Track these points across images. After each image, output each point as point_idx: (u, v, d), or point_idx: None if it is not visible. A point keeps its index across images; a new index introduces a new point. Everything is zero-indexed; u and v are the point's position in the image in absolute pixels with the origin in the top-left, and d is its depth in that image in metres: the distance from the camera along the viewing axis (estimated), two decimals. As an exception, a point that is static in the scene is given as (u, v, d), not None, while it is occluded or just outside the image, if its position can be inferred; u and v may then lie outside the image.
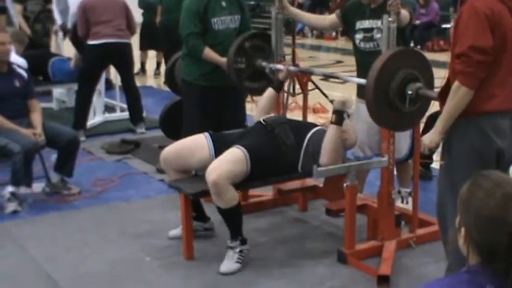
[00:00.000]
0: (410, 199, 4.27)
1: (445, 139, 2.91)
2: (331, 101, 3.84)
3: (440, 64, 7.82)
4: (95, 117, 7.03)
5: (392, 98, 3.25)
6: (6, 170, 4.64)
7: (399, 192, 4.31)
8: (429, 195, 4.23)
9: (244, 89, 4.54)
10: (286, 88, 4.63)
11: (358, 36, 4.04)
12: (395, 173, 3.88)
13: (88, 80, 6.43)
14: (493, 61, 2.74)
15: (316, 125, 3.91)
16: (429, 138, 2.91)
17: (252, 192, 4.50)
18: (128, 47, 6.47)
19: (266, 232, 4.16)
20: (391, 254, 3.62)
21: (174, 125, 5.04)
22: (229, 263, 3.62)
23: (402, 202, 4.35)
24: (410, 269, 3.63)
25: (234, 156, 3.59)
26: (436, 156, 4.49)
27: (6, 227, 4.28)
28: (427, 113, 3.63)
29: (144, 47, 9.99)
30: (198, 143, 3.83)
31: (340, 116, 3.57)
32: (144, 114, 7.16)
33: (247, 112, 5.05)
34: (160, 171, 5.13)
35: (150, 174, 5.36)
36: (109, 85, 7.80)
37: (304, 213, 4.49)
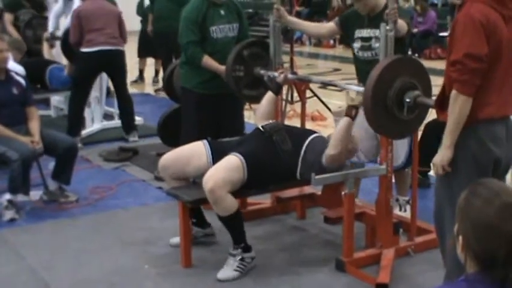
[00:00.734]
0: (408, 207, 4.27)
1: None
2: (329, 109, 3.85)
3: (437, 72, 7.80)
4: (93, 125, 7.03)
5: (391, 106, 3.26)
6: (3, 177, 4.63)
7: (397, 200, 4.31)
8: (427, 203, 4.23)
9: (243, 97, 4.55)
10: (284, 96, 4.64)
11: (356, 45, 4.06)
12: (393, 180, 3.89)
13: (81, 88, 6.43)
14: (488, 69, 2.75)
15: (315, 132, 3.91)
16: (440, 157, 2.84)
17: (250, 200, 4.50)
18: (121, 54, 6.47)
19: (264, 240, 4.15)
20: (389, 262, 3.61)
21: (173, 133, 5.04)
22: (227, 270, 3.61)
23: (400, 210, 4.35)
24: (409, 277, 3.62)
25: (231, 164, 3.59)
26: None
27: (3, 235, 4.27)
28: (425, 121, 3.64)
29: (142, 55, 9.99)
30: (196, 150, 3.84)
31: (354, 110, 3.56)
32: (142, 122, 7.18)
33: (246, 120, 5.05)
34: (159, 178, 5.12)
35: (148, 181, 5.36)
36: (107, 93, 7.80)
37: (303, 221, 4.48)
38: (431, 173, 4.87)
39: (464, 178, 2.73)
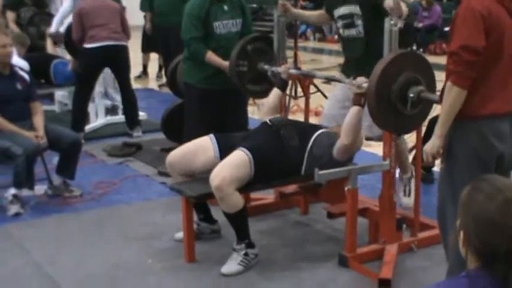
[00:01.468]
0: (412, 187, 4.15)
1: (446, 142, 2.90)
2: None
3: (442, 67, 7.75)
4: (97, 120, 7.04)
5: (394, 101, 3.25)
6: (8, 172, 4.64)
7: (402, 180, 4.23)
8: (431, 199, 4.23)
9: (247, 92, 4.55)
10: (288, 91, 4.63)
11: (339, 24, 4.06)
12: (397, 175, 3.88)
13: (85, 83, 6.44)
14: (488, 63, 2.74)
15: (321, 127, 3.91)
16: (430, 145, 2.88)
17: (254, 195, 4.50)
18: (124, 49, 6.48)
19: (267, 235, 4.16)
20: (392, 257, 3.61)
21: (176, 128, 5.05)
22: (231, 265, 3.62)
23: (405, 194, 4.28)
24: (412, 272, 3.62)
25: (238, 160, 3.58)
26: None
27: (8, 230, 4.29)
28: (429, 116, 3.63)
29: (145, 50, 9.99)
30: (203, 145, 3.83)
31: (362, 98, 3.52)
32: (146, 117, 7.18)
33: (250, 115, 5.05)
34: (162, 173, 5.13)
35: (152, 176, 5.37)
36: None
37: (306, 217, 4.49)
38: (435, 168, 4.87)
39: (467, 174, 2.73)
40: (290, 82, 4.51)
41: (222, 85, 4.51)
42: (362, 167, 3.83)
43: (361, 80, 3.53)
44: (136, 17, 9.53)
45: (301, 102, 5.78)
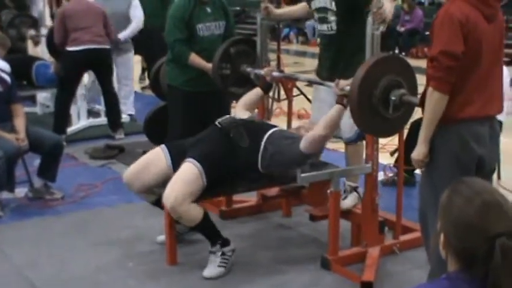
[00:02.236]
0: (353, 196, 3.99)
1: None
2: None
3: (424, 71, 7.81)
4: (79, 122, 7.00)
5: (376, 104, 3.26)
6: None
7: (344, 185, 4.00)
8: (412, 202, 4.24)
9: (230, 95, 4.54)
10: (271, 94, 4.63)
11: (315, 17, 4.04)
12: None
13: (68, 86, 6.42)
14: (468, 67, 2.77)
15: (274, 126, 3.87)
16: (416, 152, 2.89)
17: (236, 197, 4.50)
18: (107, 52, 6.46)
19: (249, 238, 4.16)
20: (374, 260, 3.63)
21: (159, 130, 5.02)
22: (212, 268, 3.62)
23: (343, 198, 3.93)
24: (394, 275, 3.64)
25: (188, 174, 3.53)
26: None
27: (-12, 232, 4.25)
28: (411, 120, 3.65)
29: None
30: (154, 158, 3.78)
31: (345, 99, 3.50)
32: (128, 119, 7.15)
33: (232, 117, 5.04)
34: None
35: (134, 179, 5.33)
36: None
37: (288, 219, 4.49)
38: (417, 171, 4.90)
39: (447, 177, 2.74)
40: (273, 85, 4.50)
41: (205, 87, 4.50)
42: (344, 170, 3.85)
43: (344, 83, 3.53)
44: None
45: (284, 105, 5.77)
